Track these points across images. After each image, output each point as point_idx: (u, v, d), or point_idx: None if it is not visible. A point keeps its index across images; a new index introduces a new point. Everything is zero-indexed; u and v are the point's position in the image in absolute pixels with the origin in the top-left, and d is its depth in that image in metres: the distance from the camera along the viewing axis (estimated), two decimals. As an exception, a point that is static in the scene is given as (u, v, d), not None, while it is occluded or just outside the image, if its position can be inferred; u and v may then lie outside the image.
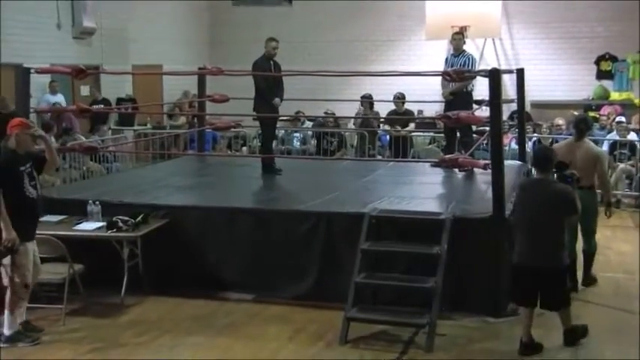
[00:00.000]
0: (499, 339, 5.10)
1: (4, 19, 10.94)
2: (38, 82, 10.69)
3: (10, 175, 4.82)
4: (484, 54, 14.82)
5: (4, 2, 10.93)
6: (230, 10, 15.49)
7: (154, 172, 8.48)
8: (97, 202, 6.07)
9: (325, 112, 12.64)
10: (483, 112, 7.33)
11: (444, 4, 14.26)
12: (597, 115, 12.42)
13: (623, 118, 11.28)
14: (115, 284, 5.72)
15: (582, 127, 6.12)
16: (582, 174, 5.54)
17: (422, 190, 7.23)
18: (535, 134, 10.93)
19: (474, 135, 8.34)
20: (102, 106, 12.18)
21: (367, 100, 11.56)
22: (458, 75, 6.35)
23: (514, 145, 10.00)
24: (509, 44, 15.06)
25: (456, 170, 7.63)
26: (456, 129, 7.97)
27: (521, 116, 8.99)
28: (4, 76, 10.28)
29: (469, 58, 7.97)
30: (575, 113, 11.27)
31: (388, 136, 11.44)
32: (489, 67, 6.16)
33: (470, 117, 6.27)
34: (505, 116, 11.14)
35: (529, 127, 10.82)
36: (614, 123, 11.30)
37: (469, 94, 7.98)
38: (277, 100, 7.79)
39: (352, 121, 13.11)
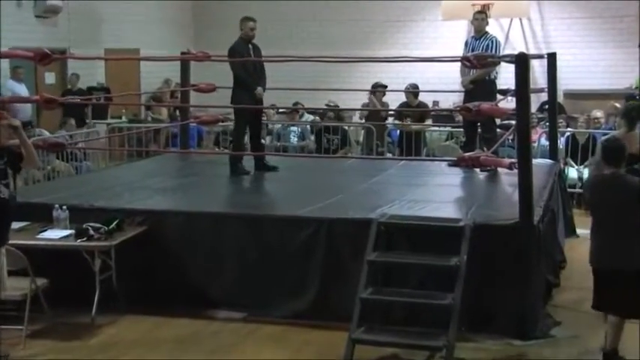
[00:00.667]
0: (527, 365, 5.13)
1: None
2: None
3: None
4: (510, 36, 14.87)
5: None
6: (216, -14, 15.55)
7: (130, 172, 8.50)
8: (65, 207, 6.08)
9: (327, 104, 12.68)
10: (509, 103, 7.35)
11: (463, -21, 14.27)
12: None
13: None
14: (85, 301, 5.73)
15: (634, 114, 6.24)
16: None
17: (438, 192, 7.25)
18: (569, 129, 10.95)
19: (498, 130, 8.36)
20: (77, 98, 12.17)
21: (380, 90, 11.58)
22: (479, 61, 6.39)
23: (544, 142, 10.03)
24: (538, 25, 15.09)
25: (477, 170, 7.65)
26: (476, 123, 8.00)
27: (552, 108, 9.01)
28: (-46, 61, 10.33)
29: (492, 41, 8.00)
30: (617, 105, 11.31)
31: (399, 131, 11.47)
32: (516, 52, 6.18)
33: (493, 109, 6.30)
34: (534, 108, 11.17)
35: (561, 120, 10.84)
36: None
37: (492, 82, 8.01)
38: (260, 89, 7.79)
39: (357, 114, 13.15)
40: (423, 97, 11.69)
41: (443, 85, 13.06)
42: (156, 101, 13.94)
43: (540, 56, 9.39)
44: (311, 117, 12.47)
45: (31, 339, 5.42)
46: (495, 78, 8.05)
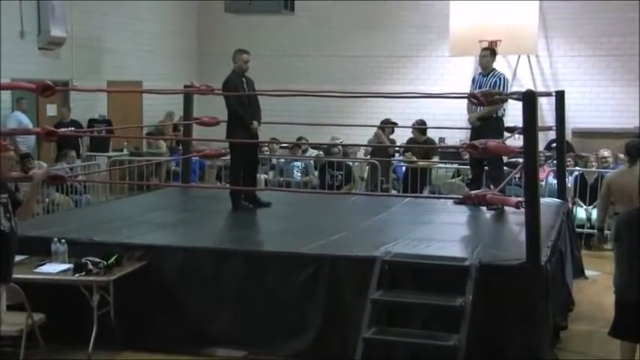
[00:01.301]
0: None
1: (-43, 24, 11.13)
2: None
3: None
4: (517, 73, 14.96)
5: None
6: (221, 19, 15.73)
7: (130, 206, 8.53)
8: (63, 241, 6.10)
9: (332, 139, 12.74)
10: (516, 141, 7.39)
11: (471, 15, 14.42)
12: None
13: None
14: (82, 337, 5.73)
15: (633, 152, 6.42)
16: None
17: (443, 231, 7.26)
18: (577, 167, 10.97)
19: (505, 168, 8.38)
20: (72, 128, 12.28)
21: (389, 126, 11.65)
22: (486, 98, 6.42)
23: (552, 180, 10.05)
24: (547, 62, 15.20)
25: (484, 209, 7.67)
26: (483, 160, 8.02)
27: (560, 146, 9.03)
28: (-43, 92, 10.43)
29: (500, 78, 8.06)
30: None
31: (404, 168, 11.51)
32: (523, 89, 6.23)
33: (500, 147, 6.32)
34: (541, 146, 11.21)
35: (569, 159, 10.88)
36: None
37: (499, 119, 8.05)
38: (255, 123, 7.85)
39: (361, 150, 13.20)
40: (429, 134, 11.75)
41: (449, 121, 13.13)
42: (156, 134, 14.02)
43: (548, 94, 9.44)
44: (315, 152, 12.52)
45: (26, 375, 5.40)
46: (503, 115, 8.09)
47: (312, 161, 12.09)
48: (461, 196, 6.68)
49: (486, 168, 8.26)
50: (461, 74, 14.30)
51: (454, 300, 5.30)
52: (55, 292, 5.82)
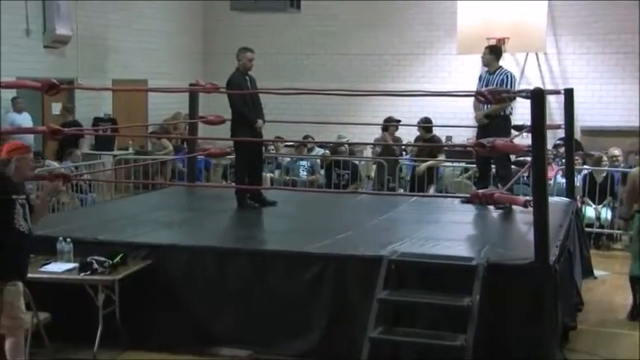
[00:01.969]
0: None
1: (-39, 23, 11.17)
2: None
3: (7, 205, 4.92)
4: (525, 71, 14.94)
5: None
6: (227, 17, 15.75)
7: (135, 205, 8.55)
8: (69, 240, 6.12)
9: (338, 138, 12.74)
10: (524, 139, 7.38)
11: (478, 13, 14.40)
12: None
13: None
14: (87, 336, 5.74)
15: None
16: None
17: (450, 230, 7.25)
18: (585, 166, 10.94)
19: (513, 166, 8.37)
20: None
21: (393, 125, 11.63)
22: (494, 96, 6.40)
23: (560, 179, 10.04)
24: (555, 60, 15.17)
25: (491, 208, 7.66)
26: (490, 159, 8.02)
27: (569, 145, 9.02)
28: (-38, 90, 10.47)
29: (507, 76, 8.04)
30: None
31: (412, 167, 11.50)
32: (531, 87, 6.21)
33: (508, 145, 6.31)
34: (550, 145, 11.20)
35: (578, 157, 10.85)
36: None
37: (506, 118, 8.03)
38: (260, 122, 7.86)
39: (368, 148, 13.19)
40: (435, 132, 11.73)
41: (457, 120, 13.14)
42: (161, 133, 14.03)
43: (557, 92, 9.41)
44: (321, 151, 12.53)
45: (31, 375, 5.41)
46: (510, 114, 8.08)
47: (318, 160, 12.09)
48: (468, 195, 6.67)
49: (493, 167, 8.24)
50: (468, 72, 14.26)
51: (461, 300, 5.30)
52: (60, 291, 5.84)
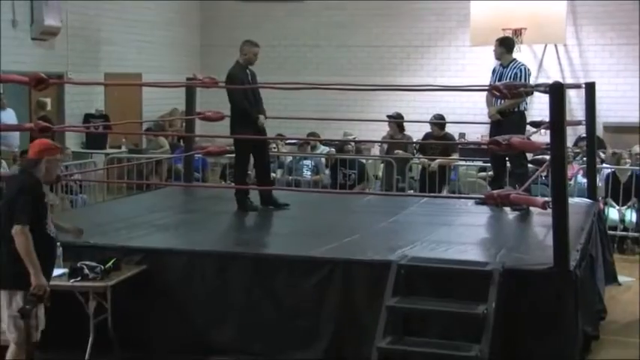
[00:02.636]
0: None
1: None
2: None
3: (37, 207, 4.99)
4: (544, 64, 14.94)
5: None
6: (226, 6, 15.80)
7: (129, 207, 8.56)
8: (58, 244, 6.09)
9: (344, 136, 12.75)
10: (542, 136, 7.37)
11: (493, 2, 14.40)
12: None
13: None
14: (78, 346, 5.75)
15: None
16: None
17: (463, 233, 7.24)
18: (606, 165, 10.90)
19: (530, 165, 8.36)
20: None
21: (395, 121, 11.62)
22: (510, 90, 6.40)
23: (581, 179, 10.02)
24: (576, 51, 15.17)
25: (507, 209, 7.65)
26: (505, 157, 8.01)
27: (590, 142, 9.01)
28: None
29: (521, 70, 8.04)
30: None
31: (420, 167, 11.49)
32: (550, 80, 6.21)
33: (525, 143, 6.31)
34: (570, 142, 11.19)
35: (601, 155, 10.83)
36: None
37: (522, 114, 8.04)
38: (262, 117, 7.86)
39: (376, 147, 13.18)
40: (448, 129, 11.71)
41: (470, 116, 13.12)
42: (157, 130, 14.06)
43: (577, 86, 9.43)
44: (326, 149, 12.53)
45: (18, 386, 5.42)
46: (525, 109, 8.08)
47: (322, 159, 12.09)
48: (482, 196, 6.68)
49: (509, 166, 8.24)
50: (483, 65, 14.18)
51: (476, 307, 5.29)
52: (49, 298, 5.84)
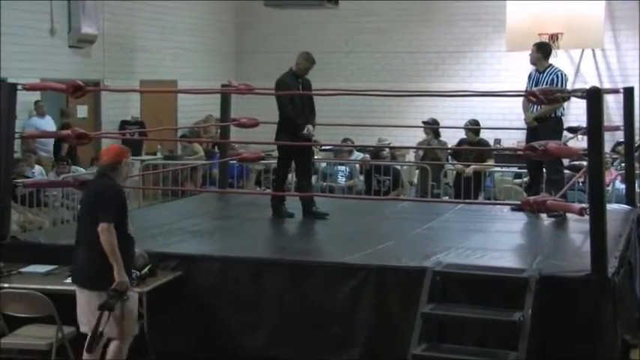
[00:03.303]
0: None
1: (-17, 22, 11.36)
2: (24, 102, 11.02)
3: (119, 208, 5.26)
4: (581, 68, 14.81)
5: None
6: (261, 13, 15.84)
7: (164, 213, 8.61)
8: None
9: (378, 142, 12.73)
10: (579, 142, 7.30)
11: (529, 7, 14.32)
12: None
13: None
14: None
15: None
16: None
17: (499, 240, 7.20)
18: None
19: (566, 171, 8.29)
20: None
21: (431, 127, 11.59)
22: (546, 96, 6.36)
23: (619, 185, 9.90)
24: (614, 56, 15.01)
25: (544, 216, 7.59)
26: (542, 163, 7.95)
27: (629, 147, 8.91)
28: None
29: (557, 75, 7.99)
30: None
31: (455, 172, 11.44)
32: (587, 86, 6.16)
33: (562, 148, 6.27)
34: (608, 148, 11.06)
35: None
36: None
37: (559, 120, 7.98)
38: (309, 127, 7.77)
39: (411, 152, 13.15)
40: (483, 134, 11.66)
41: (506, 121, 13.05)
42: (192, 137, 14.14)
43: (616, 91, 9.30)
44: (360, 155, 12.53)
45: (55, 392, 5.49)
46: (562, 115, 8.02)
47: (357, 165, 12.08)
48: (519, 202, 6.63)
49: (545, 172, 8.18)
50: (518, 70, 14.11)
51: (512, 315, 5.26)
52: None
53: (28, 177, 9.75)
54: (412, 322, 5.40)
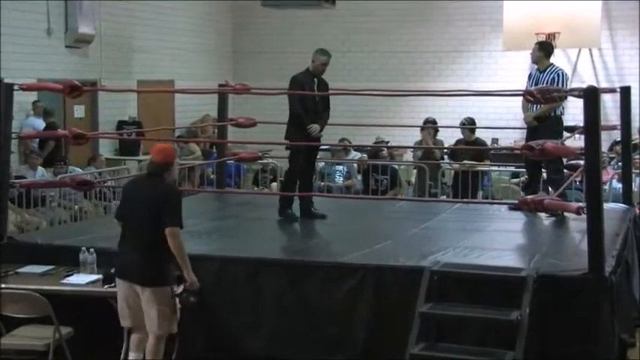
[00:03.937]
0: None
1: (-21, 22, 11.35)
2: (21, 102, 10.99)
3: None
4: (578, 68, 14.82)
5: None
6: (257, 13, 15.83)
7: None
8: (92, 250, 6.19)
9: (376, 141, 12.73)
10: (576, 141, 7.31)
11: (526, 6, 14.31)
12: None
13: None
14: (112, 353, 5.78)
15: None
16: None
17: (497, 239, 7.21)
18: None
19: (565, 170, 8.30)
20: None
21: (430, 127, 11.60)
22: (544, 95, 6.37)
23: (616, 184, 9.91)
24: (610, 56, 15.02)
25: (542, 215, 7.59)
26: (540, 163, 7.96)
27: (626, 147, 8.92)
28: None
29: (558, 75, 7.99)
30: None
31: (453, 172, 11.45)
32: (585, 85, 6.17)
33: (559, 148, 6.28)
34: (605, 147, 11.06)
35: (637, 160, 10.69)
36: None
37: (558, 119, 7.99)
38: (315, 127, 7.71)
39: (408, 152, 13.15)
40: (480, 134, 11.67)
41: (503, 121, 13.06)
42: (189, 137, 14.12)
43: (613, 90, 9.33)
44: (358, 154, 12.53)
45: (52, 393, 5.48)
46: (562, 114, 8.03)
47: (354, 164, 12.08)
48: (516, 202, 6.64)
49: (544, 171, 8.18)
50: (516, 70, 14.19)
51: (509, 314, 5.26)
52: (83, 305, 5.90)
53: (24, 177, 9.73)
54: (410, 321, 5.41)
